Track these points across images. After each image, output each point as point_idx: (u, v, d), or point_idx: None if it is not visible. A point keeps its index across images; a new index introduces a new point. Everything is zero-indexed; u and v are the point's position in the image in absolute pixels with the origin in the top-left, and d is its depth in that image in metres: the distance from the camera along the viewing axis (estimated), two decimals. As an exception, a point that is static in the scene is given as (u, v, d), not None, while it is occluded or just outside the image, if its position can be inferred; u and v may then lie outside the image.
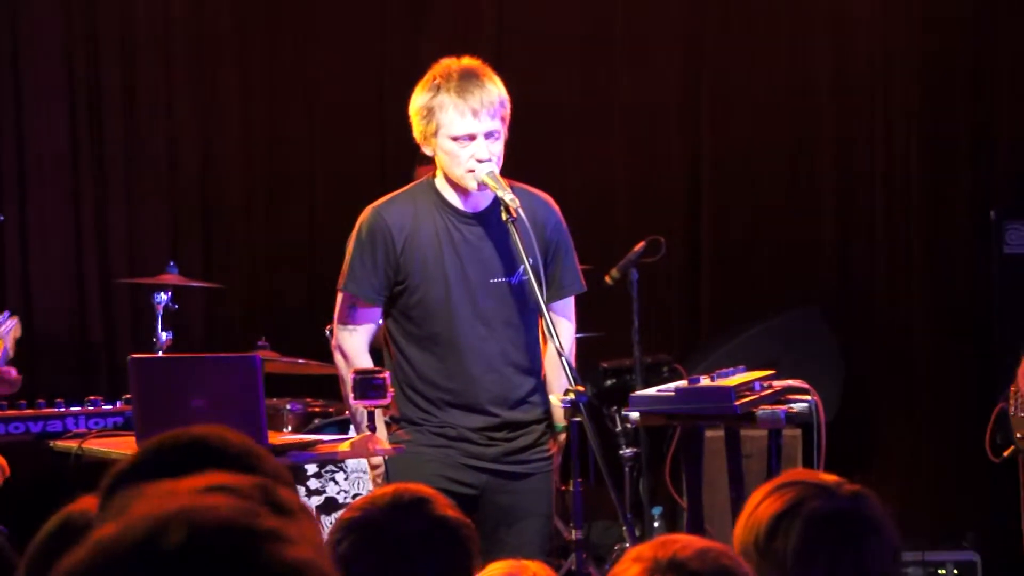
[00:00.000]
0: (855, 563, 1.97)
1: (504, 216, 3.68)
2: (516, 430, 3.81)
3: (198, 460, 1.54)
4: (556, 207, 3.92)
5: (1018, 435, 5.30)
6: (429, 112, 3.70)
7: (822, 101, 6.85)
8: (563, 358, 3.55)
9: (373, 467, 3.85)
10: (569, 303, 3.96)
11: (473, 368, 3.76)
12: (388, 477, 3.68)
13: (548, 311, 3.73)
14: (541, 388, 3.88)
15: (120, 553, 1.07)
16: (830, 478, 2.05)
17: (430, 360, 3.78)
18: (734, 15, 6.89)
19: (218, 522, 1.09)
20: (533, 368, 3.85)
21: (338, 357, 3.82)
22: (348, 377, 3.70)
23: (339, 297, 3.84)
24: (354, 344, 3.80)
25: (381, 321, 3.91)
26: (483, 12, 6.91)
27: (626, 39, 6.92)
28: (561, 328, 3.74)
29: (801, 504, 1.98)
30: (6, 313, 4.86)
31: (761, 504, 2.00)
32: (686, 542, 1.64)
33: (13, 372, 4.70)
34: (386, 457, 3.63)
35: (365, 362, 3.76)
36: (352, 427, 4.07)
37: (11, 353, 4.77)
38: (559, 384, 3.85)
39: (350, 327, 3.81)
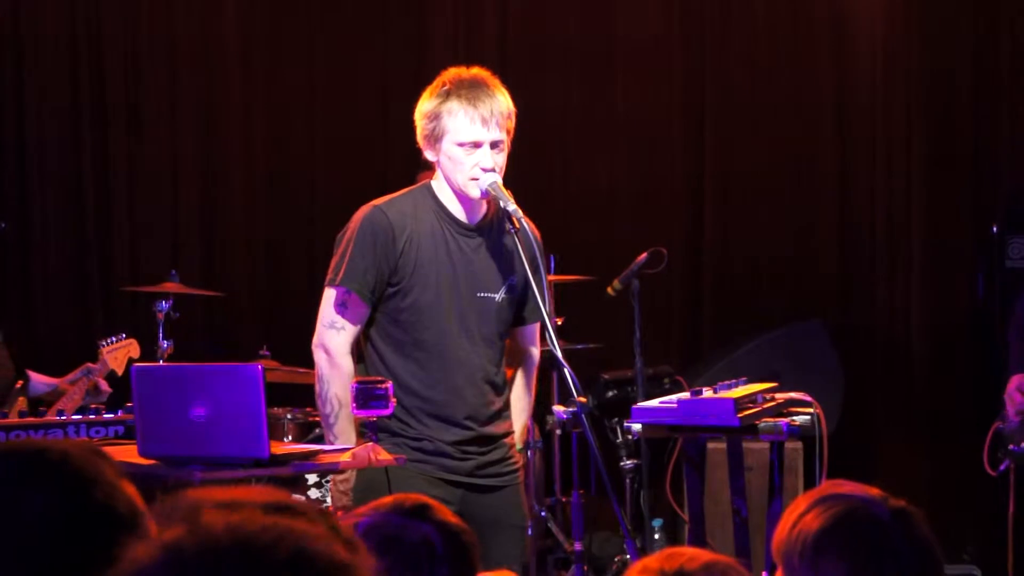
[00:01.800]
0: None
1: (507, 227, 3.68)
2: (487, 444, 3.79)
3: (32, 471, 1.54)
4: (539, 233, 3.89)
5: (1010, 447, 5.32)
6: (436, 116, 3.68)
7: (824, 113, 6.87)
8: (566, 368, 3.54)
9: (340, 478, 3.78)
10: (536, 329, 3.94)
11: (455, 379, 3.72)
12: (359, 490, 3.64)
13: (516, 334, 3.81)
14: (507, 406, 3.87)
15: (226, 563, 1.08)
16: (875, 492, 2.02)
17: (412, 368, 3.72)
18: (735, 27, 6.91)
19: (317, 551, 1.12)
20: (502, 387, 3.84)
21: (320, 355, 3.70)
22: (329, 377, 3.64)
23: (327, 293, 3.72)
24: (339, 344, 3.68)
25: None
26: (486, 23, 6.92)
27: (627, 50, 6.93)
28: (533, 354, 3.83)
29: (851, 517, 1.96)
30: (122, 335, 5.16)
31: (807, 515, 1.97)
32: (693, 555, 1.63)
33: (105, 386, 4.96)
34: (362, 469, 3.58)
35: (348, 364, 3.67)
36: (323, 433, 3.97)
37: (119, 371, 5.04)
38: (519, 408, 3.86)
39: (337, 325, 3.69)
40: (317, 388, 3.71)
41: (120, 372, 5.24)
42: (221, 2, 6.81)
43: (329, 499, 4.82)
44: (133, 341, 5.28)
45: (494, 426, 3.80)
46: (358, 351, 3.79)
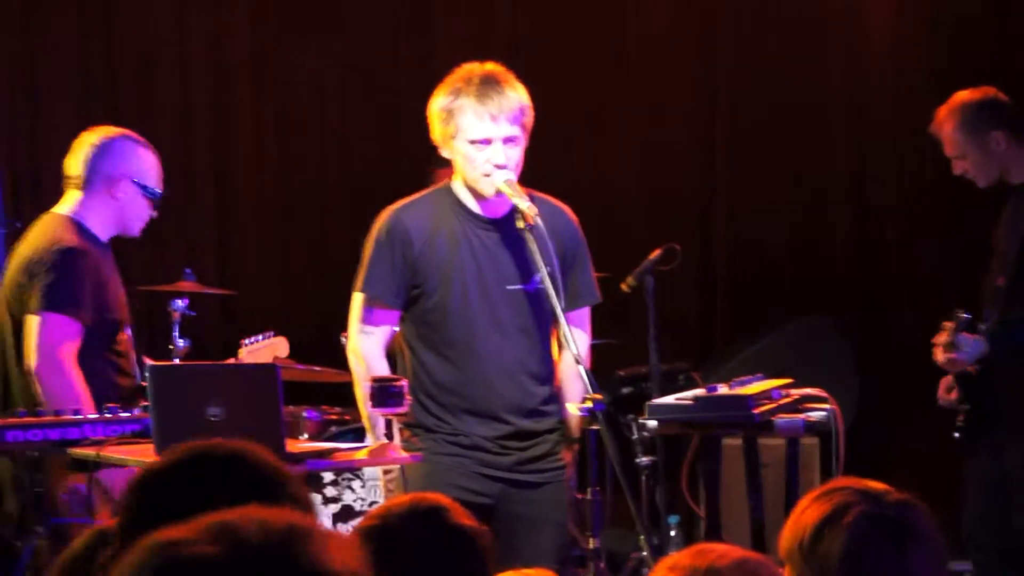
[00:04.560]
0: (899, 571, 1.94)
1: (520, 224, 3.68)
2: (530, 439, 3.79)
3: (230, 475, 1.55)
4: (575, 218, 3.92)
5: None
6: (448, 114, 3.70)
7: (837, 105, 6.85)
8: (580, 366, 3.54)
9: (386, 473, 3.83)
10: (584, 314, 3.94)
11: (489, 374, 3.74)
12: (402, 485, 3.66)
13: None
14: (555, 398, 3.86)
15: (181, 558, 1.08)
16: (877, 486, 2.02)
17: (445, 366, 3.76)
18: (746, 20, 6.90)
19: (270, 526, 1.11)
20: (547, 377, 3.84)
21: (353, 361, 3.78)
22: (363, 381, 3.69)
23: (354, 299, 3.80)
24: (370, 348, 3.75)
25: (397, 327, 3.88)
26: (497, 18, 6.91)
27: (639, 44, 6.92)
28: (576, 338, 3.73)
29: (847, 509, 1.96)
30: (270, 333, 4.92)
31: (807, 509, 1.98)
32: (723, 551, 1.62)
33: None
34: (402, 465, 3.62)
35: (381, 366, 3.73)
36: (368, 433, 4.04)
37: None
38: (574, 394, 3.83)
39: (367, 330, 3.77)
40: (356, 392, 3.75)
41: None
42: (232, 3, 6.82)
43: (382, 496, 4.83)
44: (280, 340, 4.94)
45: (536, 420, 3.79)
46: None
